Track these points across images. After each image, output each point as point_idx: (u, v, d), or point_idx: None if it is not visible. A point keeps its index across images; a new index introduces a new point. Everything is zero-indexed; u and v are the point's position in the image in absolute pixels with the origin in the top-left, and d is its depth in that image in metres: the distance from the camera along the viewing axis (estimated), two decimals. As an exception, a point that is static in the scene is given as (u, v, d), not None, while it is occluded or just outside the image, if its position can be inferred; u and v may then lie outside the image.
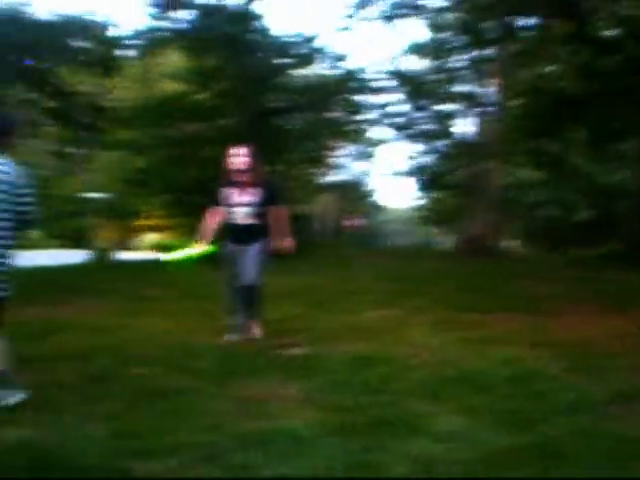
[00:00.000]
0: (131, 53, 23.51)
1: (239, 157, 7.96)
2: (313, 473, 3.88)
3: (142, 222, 49.61)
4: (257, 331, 8.04)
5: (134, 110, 24.79)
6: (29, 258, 16.79)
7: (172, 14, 22.48)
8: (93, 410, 4.99)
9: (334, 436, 4.46)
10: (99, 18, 18.74)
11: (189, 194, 24.33)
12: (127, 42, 21.72)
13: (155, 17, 22.07)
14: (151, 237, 49.41)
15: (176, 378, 6.03)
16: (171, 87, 29.60)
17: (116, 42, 19.91)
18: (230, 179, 8.01)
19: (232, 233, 8.00)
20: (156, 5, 21.92)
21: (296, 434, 4.47)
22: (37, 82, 17.81)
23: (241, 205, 7.91)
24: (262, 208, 7.91)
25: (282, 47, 23.86)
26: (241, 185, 7.93)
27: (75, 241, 53.35)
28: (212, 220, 8.05)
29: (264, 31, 24.03)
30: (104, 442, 4.29)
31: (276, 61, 24.38)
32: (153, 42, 22.79)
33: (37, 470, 3.81)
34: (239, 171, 7.93)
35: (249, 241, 7.85)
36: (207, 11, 22.50)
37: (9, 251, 5.19)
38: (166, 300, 11.92)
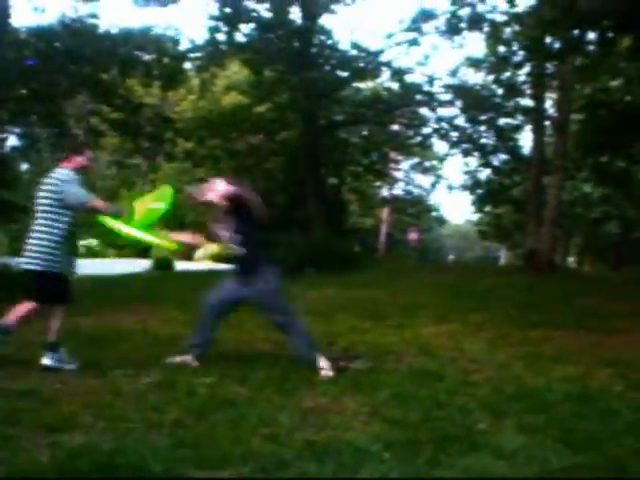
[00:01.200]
0: (194, 66, 23.80)
1: (214, 189, 7.40)
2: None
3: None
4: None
5: (196, 122, 25.10)
6: (91, 266, 17.08)
7: (234, 28, 22.69)
8: (157, 418, 5.03)
9: (397, 450, 4.43)
10: (164, 31, 18.98)
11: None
12: (191, 55, 22.01)
13: (217, 31, 22.32)
14: (210, 247, 49.71)
15: (238, 388, 6.05)
16: (233, 99, 29.92)
17: (181, 55, 20.18)
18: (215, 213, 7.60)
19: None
20: (218, 19, 22.18)
21: (359, 447, 4.45)
22: (104, 94, 18.11)
23: (225, 239, 7.54)
24: (242, 236, 7.35)
25: (345, 60, 23.91)
26: (222, 218, 7.53)
27: (136, 250, 54.03)
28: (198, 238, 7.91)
29: (328, 45, 24.10)
30: (168, 450, 4.32)
31: (339, 74, 24.44)
32: (215, 55, 23.05)
33: (101, 475, 3.85)
34: (216, 204, 7.41)
35: (244, 276, 7.36)
36: (267, 25, 22.69)
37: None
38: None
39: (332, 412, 5.39)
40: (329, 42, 24.16)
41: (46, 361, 6.83)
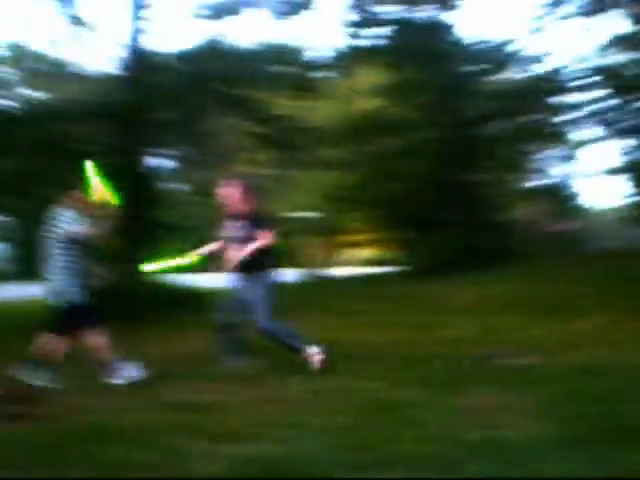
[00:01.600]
0: (329, 73, 24.00)
1: (227, 191, 7.82)
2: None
3: (348, 238, 50.44)
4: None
5: (335, 128, 25.27)
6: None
7: (367, 31, 22.76)
8: (326, 424, 5.08)
9: (565, 447, 4.33)
10: (296, 42, 19.27)
11: (394, 207, 24.51)
12: (325, 63, 22.20)
13: (351, 35, 22.44)
14: (358, 252, 50.09)
15: (401, 389, 6.05)
16: (370, 103, 29.99)
17: (314, 64, 20.40)
18: (226, 213, 7.91)
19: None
20: (351, 24, 22.28)
21: (526, 445, 4.38)
22: (242, 109, 18.49)
23: (232, 239, 7.79)
24: (249, 241, 7.63)
25: (476, 54, 23.56)
26: (232, 219, 7.84)
27: (285, 261, 54.91)
28: (217, 245, 8.03)
29: (457, 40, 23.85)
30: (337, 454, 4.35)
31: (470, 69, 24.11)
32: (350, 60, 23.17)
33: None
34: (228, 205, 7.83)
35: (245, 275, 7.67)
36: (402, 25, 22.63)
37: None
38: (376, 313, 12.01)
39: (496, 410, 5.31)
40: (464, 36, 23.90)
41: (115, 381, 7.04)
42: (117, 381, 7.03)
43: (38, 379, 6.93)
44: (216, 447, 4.64)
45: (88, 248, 7.18)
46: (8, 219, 34.15)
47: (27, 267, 60.25)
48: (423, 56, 23.02)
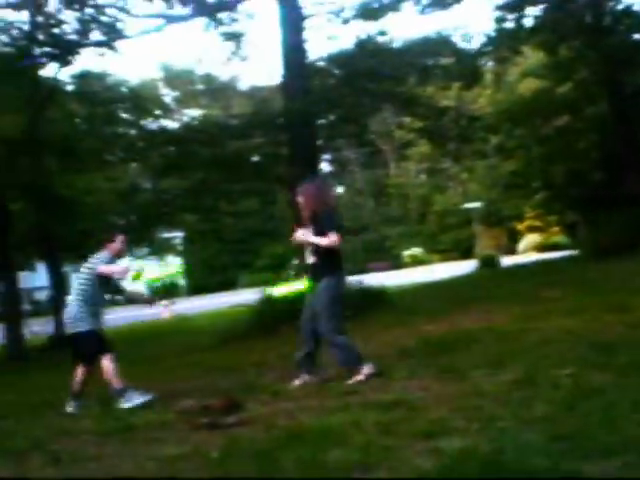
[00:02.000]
0: (490, 59, 23.63)
1: (301, 194, 7.69)
2: None
3: (521, 224, 49.58)
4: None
5: (499, 115, 24.88)
6: (419, 274, 17.43)
7: (521, 12, 22.22)
8: (526, 415, 4.97)
9: None
10: (454, 32, 19.02)
11: (565, 189, 23.88)
12: (483, 50, 21.84)
13: (504, 20, 21.96)
14: (531, 238, 49.12)
15: (601, 375, 5.83)
16: (530, 85, 29.36)
17: (476, 52, 20.13)
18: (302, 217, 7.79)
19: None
20: (504, 7, 21.82)
21: None
22: (406, 105, 18.49)
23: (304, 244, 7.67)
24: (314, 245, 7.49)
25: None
26: (303, 224, 7.72)
27: (459, 252, 54.65)
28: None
29: (621, 10, 22.90)
30: (544, 445, 4.23)
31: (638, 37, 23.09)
32: (508, 44, 22.70)
33: (486, 477, 3.86)
34: (300, 210, 7.73)
35: (315, 281, 7.55)
36: (557, 3, 21.97)
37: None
38: (565, 299, 11.66)
39: None
40: (622, 7, 22.90)
41: (124, 405, 7.62)
42: (127, 405, 7.58)
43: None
44: (418, 444, 4.63)
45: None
46: (181, 235, 35.71)
47: (204, 280, 62.88)
48: (582, 31, 22.27)
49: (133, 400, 7.62)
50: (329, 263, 7.48)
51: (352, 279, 16.06)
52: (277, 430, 5.47)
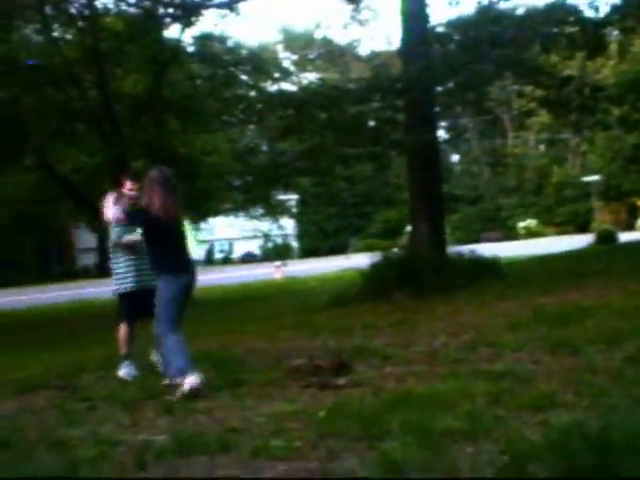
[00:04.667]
0: (613, 30, 22.85)
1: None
2: None
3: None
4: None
5: (623, 86, 24.11)
6: (533, 246, 17.15)
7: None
8: (638, 393, 4.87)
9: None
10: (579, 0, 18.50)
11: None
12: (609, 19, 21.16)
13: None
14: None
15: None
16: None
17: (599, 22, 19.52)
18: None
19: None
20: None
21: None
22: (528, 73, 18.10)
23: None
24: None
25: None
26: None
27: (575, 226, 53.42)
28: None
29: None
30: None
31: None
32: (634, 14, 21.91)
33: (593, 452, 3.83)
34: None
35: None
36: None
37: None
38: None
39: None
40: None
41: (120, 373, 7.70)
42: (120, 372, 7.68)
43: None
44: (527, 416, 4.65)
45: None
46: (296, 197, 36.04)
47: (316, 244, 63.44)
48: None
49: (122, 370, 7.72)
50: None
51: (464, 248, 15.97)
52: (385, 394, 5.54)
